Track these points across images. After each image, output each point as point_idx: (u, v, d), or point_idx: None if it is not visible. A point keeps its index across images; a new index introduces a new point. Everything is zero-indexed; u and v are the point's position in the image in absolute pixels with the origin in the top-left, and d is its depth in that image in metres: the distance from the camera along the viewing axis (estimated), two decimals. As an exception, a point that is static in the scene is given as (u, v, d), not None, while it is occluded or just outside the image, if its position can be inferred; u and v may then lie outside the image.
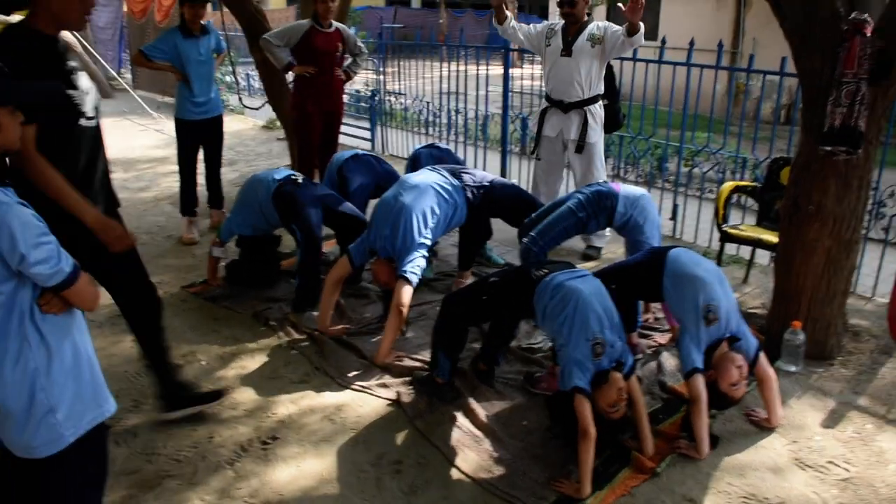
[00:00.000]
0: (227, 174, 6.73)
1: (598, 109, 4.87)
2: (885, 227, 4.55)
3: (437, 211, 3.66)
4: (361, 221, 4.21)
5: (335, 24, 5.54)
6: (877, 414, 3.14)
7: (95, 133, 2.53)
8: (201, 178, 5.63)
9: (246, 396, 3.29)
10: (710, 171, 5.72)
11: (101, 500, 2.01)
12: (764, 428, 3.00)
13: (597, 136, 4.89)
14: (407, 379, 3.35)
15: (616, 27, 4.59)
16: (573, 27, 4.75)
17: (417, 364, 3.47)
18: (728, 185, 4.53)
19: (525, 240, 3.89)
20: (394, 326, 3.41)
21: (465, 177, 3.92)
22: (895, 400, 3.24)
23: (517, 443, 2.88)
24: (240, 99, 8.86)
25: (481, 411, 3.06)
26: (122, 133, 9.50)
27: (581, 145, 4.84)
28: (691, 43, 4.93)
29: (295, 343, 3.76)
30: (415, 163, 4.73)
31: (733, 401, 2.88)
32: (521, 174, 6.34)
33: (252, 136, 9.91)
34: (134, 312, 2.88)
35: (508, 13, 4.90)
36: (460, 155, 6.06)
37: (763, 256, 4.74)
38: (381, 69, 8.68)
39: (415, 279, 3.44)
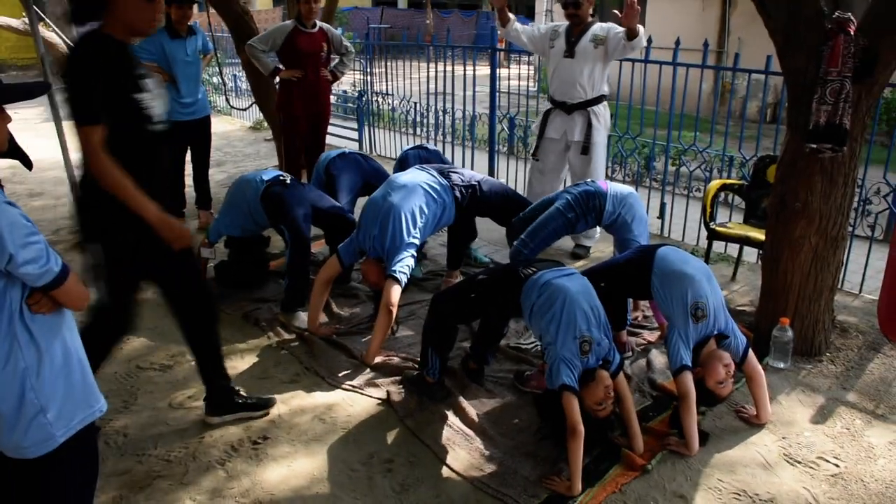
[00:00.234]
0: (215, 175, 6.71)
1: (601, 110, 4.85)
2: (871, 223, 4.59)
3: (426, 210, 3.66)
4: (350, 221, 4.21)
5: (319, 24, 5.52)
6: (865, 409, 3.16)
7: (162, 136, 2.58)
8: (189, 180, 5.61)
9: (236, 397, 3.27)
10: (697, 170, 5.75)
11: (91, 500, 2.00)
12: (753, 424, 3.02)
13: (601, 136, 4.87)
14: (397, 378, 3.34)
15: (618, 29, 4.55)
16: (577, 28, 4.74)
17: (407, 363, 3.47)
18: (715, 184, 4.56)
19: (515, 242, 3.90)
20: (383, 326, 3.41)
21: (454, 176, 3.93)
22: (883, 395, 3.27)
23: (508, 441, 2.88)
24: (227, 100, 8.81)
25: (472, 410, 3.06)
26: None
27: (586, 146, 4.82)
28: (677, 42, 4.95)
29: (285, 343, 3.75)
30: (403, 164, 4.72)
31: (720, 398, 2.91)
32: (509, 174, 6.36)
33: (239, 136, 9.88)
34: (190, 317, 2.88)
35: (511, 15, 4.89)
36: (448, 155, 6.08)
37: (751, 254, 4.77)
38: (369, 70, 8.67)
39: (403, 279, 3.44)
